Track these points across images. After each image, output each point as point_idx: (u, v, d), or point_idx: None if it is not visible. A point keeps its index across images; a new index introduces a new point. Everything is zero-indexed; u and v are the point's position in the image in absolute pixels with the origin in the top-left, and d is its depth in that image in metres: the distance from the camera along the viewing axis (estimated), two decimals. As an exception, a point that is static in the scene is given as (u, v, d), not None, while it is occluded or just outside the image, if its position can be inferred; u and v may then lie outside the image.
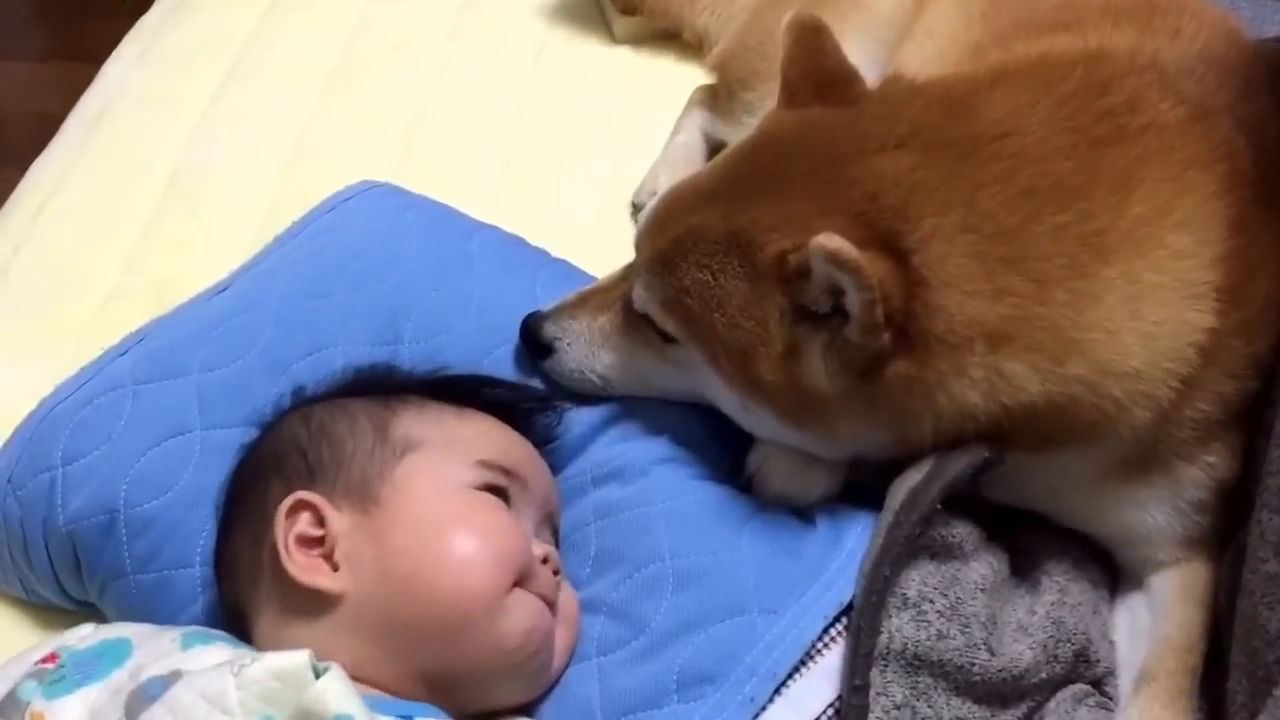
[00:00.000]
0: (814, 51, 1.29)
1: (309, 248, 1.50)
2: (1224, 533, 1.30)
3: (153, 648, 1.11)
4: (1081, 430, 1.21)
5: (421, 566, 1.13)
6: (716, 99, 1.89)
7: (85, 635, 1.16)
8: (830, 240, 1.11)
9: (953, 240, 1.16)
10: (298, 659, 0.97)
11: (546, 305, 1.40)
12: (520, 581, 1.15)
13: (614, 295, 1.36)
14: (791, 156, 1.24)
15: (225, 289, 1.46)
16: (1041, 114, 1.23)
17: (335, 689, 0.96)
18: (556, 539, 1.29)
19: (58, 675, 1.09)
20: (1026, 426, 1.20)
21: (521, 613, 1.14)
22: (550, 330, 1.37)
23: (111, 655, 1.10)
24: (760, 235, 1.20)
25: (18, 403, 1.37)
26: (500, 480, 1.21)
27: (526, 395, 1.37)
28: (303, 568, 1.14)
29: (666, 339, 1.29)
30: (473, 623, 1.12)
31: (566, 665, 1.21)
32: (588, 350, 1.36)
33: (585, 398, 1.39)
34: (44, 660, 1.13)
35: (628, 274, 1.34)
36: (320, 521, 1.16)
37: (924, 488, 1.20)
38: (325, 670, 0.97)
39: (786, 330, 1.20)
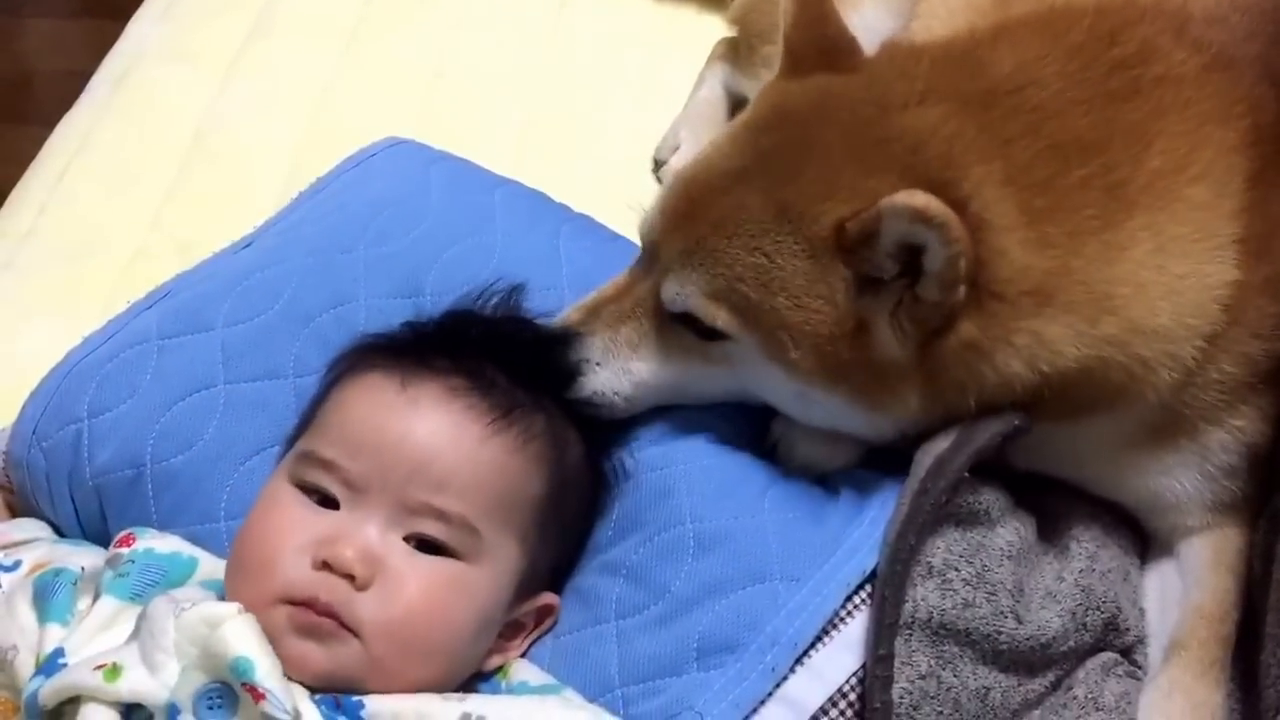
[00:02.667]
0: (817, 19, 1.27)
1: (333, 203, 1.50)
2: (1257, 498, 1.29)
3: (212, 569, 1.17)
4: (1109, 396, 1.20)
5: (228, 564, 1.15)
6: (737, 53, 1.88)
7: (166, 537, 1.20)
8: (914, 197, 1.08)
9: (1001, 187, 1.15)
10: (225, 608, 1.03)
11: (551, 324, 1.29)
12: (287, 591, 1.08)
13: (630, 302, 1.26)
14: (815, 125, 1.21)
15: (249, 244, 1.46)
16: (1053, 67, 1.22)
17: (239, 633, 1.01)
18: (460, 520, 1.12)
19: (124, 570, 1.14)
20: (1058, 396, 1.19)
21: (283, 628, 1.06)
22: (572, 353, 1.26)
23: (176, 570, 1.15)
24: (812, 206, 1.15)
25: (44, 360, 1.37)
26: (317, 474, 1.13)
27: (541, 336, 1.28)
28: None
29: (710, 336, 1.22)
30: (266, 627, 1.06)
31: (425, 671, 1.10)
32: (613, 369, 1.26)
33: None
34: (121, 543, 1.18)
35: (640, 275, 1.27)
36: None
37: (951, 455, 1.19)
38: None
39: (853, 303, 1.16)
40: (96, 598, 1.13)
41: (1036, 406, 1.20)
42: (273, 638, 1.04)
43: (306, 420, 1.23)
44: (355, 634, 1.07)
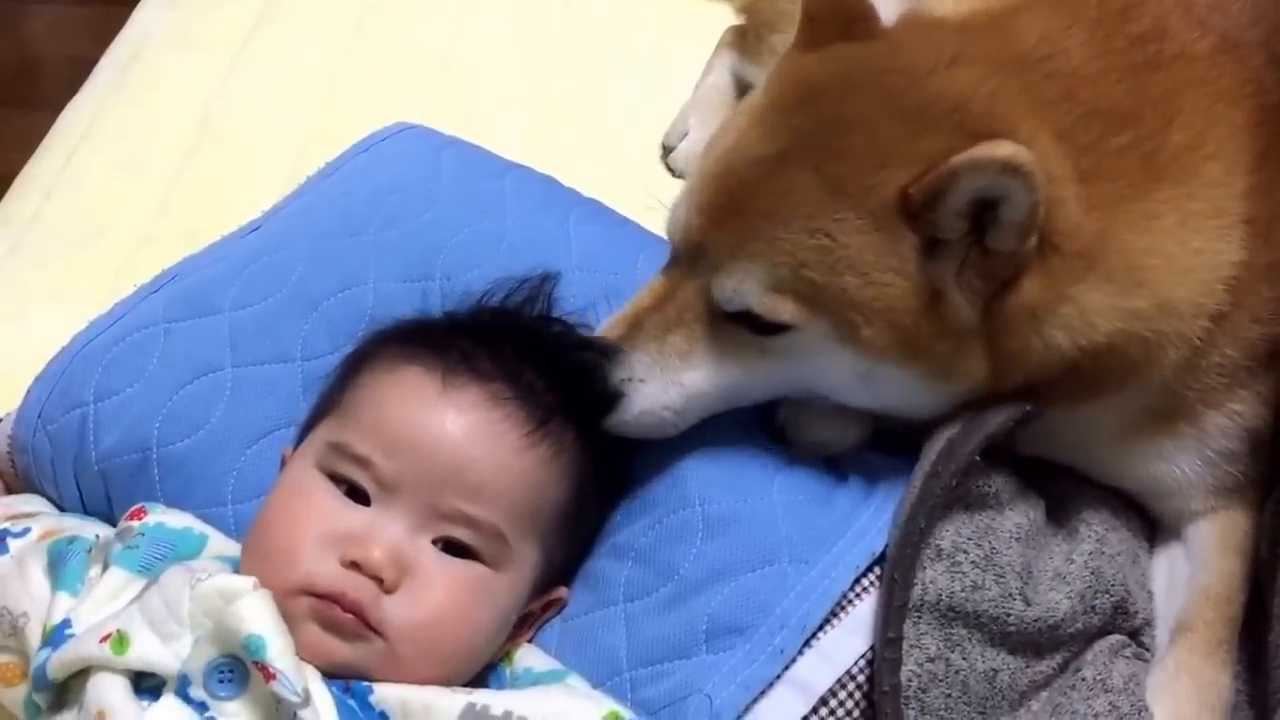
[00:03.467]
0: None
1: (342, 188, 1.49)
2: (1263, 481, 1.29)
3: (222, 547, 1.16)
4: (1118, 375, 1.20)
5: (246, 544, 1.14)
6: (745, 40, 1.88)
7: (177, 516, 1.20)
8: (998, 148, 1.05)
9: (1054, 141, 1.13)
10: (242, 582, 1.03)
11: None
12: (311, 583, 1.07)
13: (675, 308, 1.20)
14: (848, 97, 1.16)
15: (257, 228, 1.46)
16: (1078, 37, 1.21)
17: (253, 609, 1.00)
18: (490, 528, 1.12)
19: (134, 543, 1.14)
20: (1073, 375, 1.19)
21: (304, 616, 1.06)
22: (610, 373, 1.19)
23: (186, 546, 1.15)
24: (867, 178, 1.12)
25: (50, 345, 1.37)
26: (349, 468, 1.12)
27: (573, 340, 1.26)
28: None
29: (771, 330, 1.17)
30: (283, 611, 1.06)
31: (447, 674, 1.10)
32: (665, 381, 1.20)
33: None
34: (132, 516, 1.18)
35: (681, 278, 1.21)
36: None
37: (962, 439, 1.18)
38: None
39: (923, 269, 1.12)
40: (105, 568, 1.12)
41: (1046, 390, 1.20)
42: (292, 622, 1.04)
43: (329, 403, 1.21)
44: (379, 634, 1.06)
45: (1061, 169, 1.12)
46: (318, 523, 1.09)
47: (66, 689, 1.06)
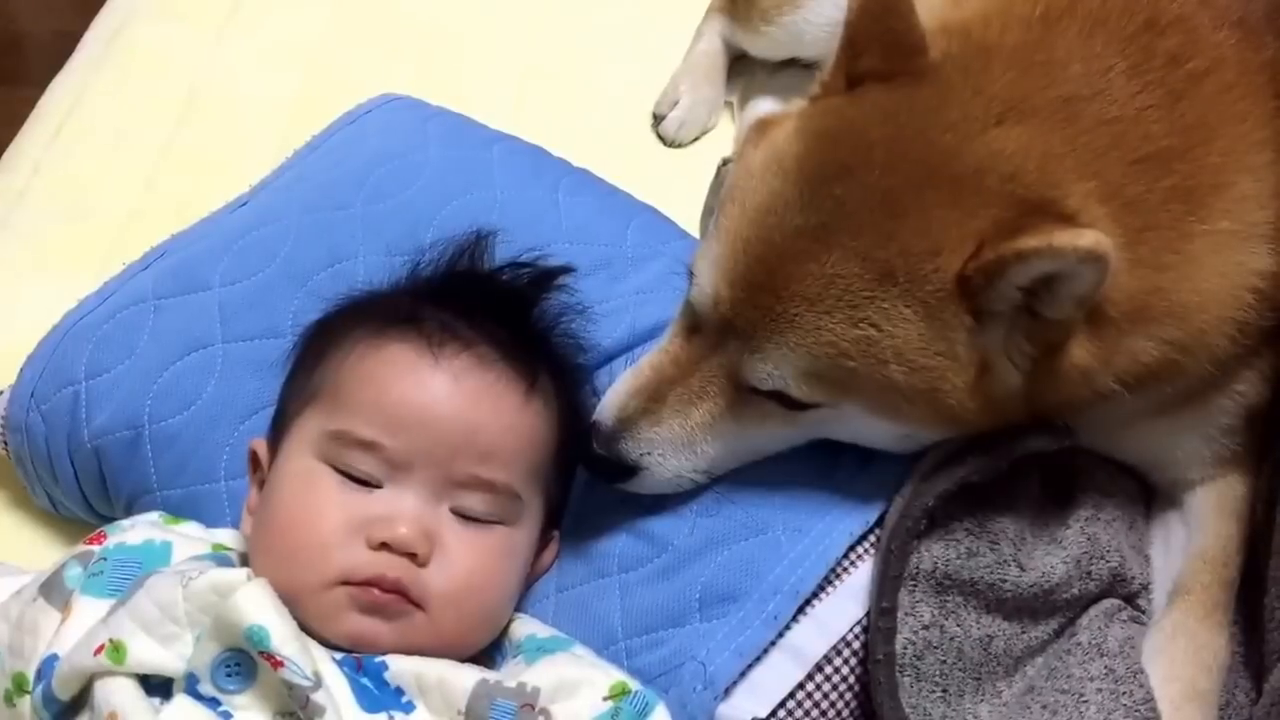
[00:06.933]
0: (886, 8, 1.13)
1: (329, 160, 1.49)
2: (1259, 447, 1.28)
3: (188, 549, 1.14)
4: (1143, 385, 1.17)
5: (258, 552, 1.13)
6: (735, 5, 1.85)
7: (136, 528, 1.17)
8: (1081, 237, 1.01)
9: (1101, 205, 1.09)
10: (235, 575, 1.03)
11: (603, 415, 1.20)
12: (349, 572, 1.07)
13: (700, 380, 1.17)
14: (894, 166, 1.09)
15: (246, 203, 1.45)
16: (1118, 66, 1.14)
17: (251, 600, 1.00)
18: (505, 489, 1.14)
19: (98, 569, 1.11)
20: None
21: (344, 606, 1.06)
22: (633, 449, 1.18)
23: (151, 560, 1.13)
24: (920, 265, 1.06)
25: (40, 322, 1.37)
26: (356, 455, 1.11)
27: (541, 275, 1.27)
28: (249, 511, 1.17)
29: (801, 407, 1.15)
30: (305, 608, 1.06)
31: (480, 634, 1.14)
32: (687, 453, 1.18)
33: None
34: (92, 540, 1.15)
35: (706, 349, 1.16)
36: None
37: (998, 444, 1.17)
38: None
39: (971, 346, 1.09)
40: (67, 599, 1.10)
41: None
42: (330, 615, 1.05)
43: (303, 392, 1.18)
44: (420, 607, 1.07)
45: (1113, 236, 1.06)
46: (337, 513, 1.09)
47: (75, 702, 1.05)
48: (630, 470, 1.19)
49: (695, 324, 1.18)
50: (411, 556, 1.07)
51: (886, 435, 1.17)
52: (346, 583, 1.06)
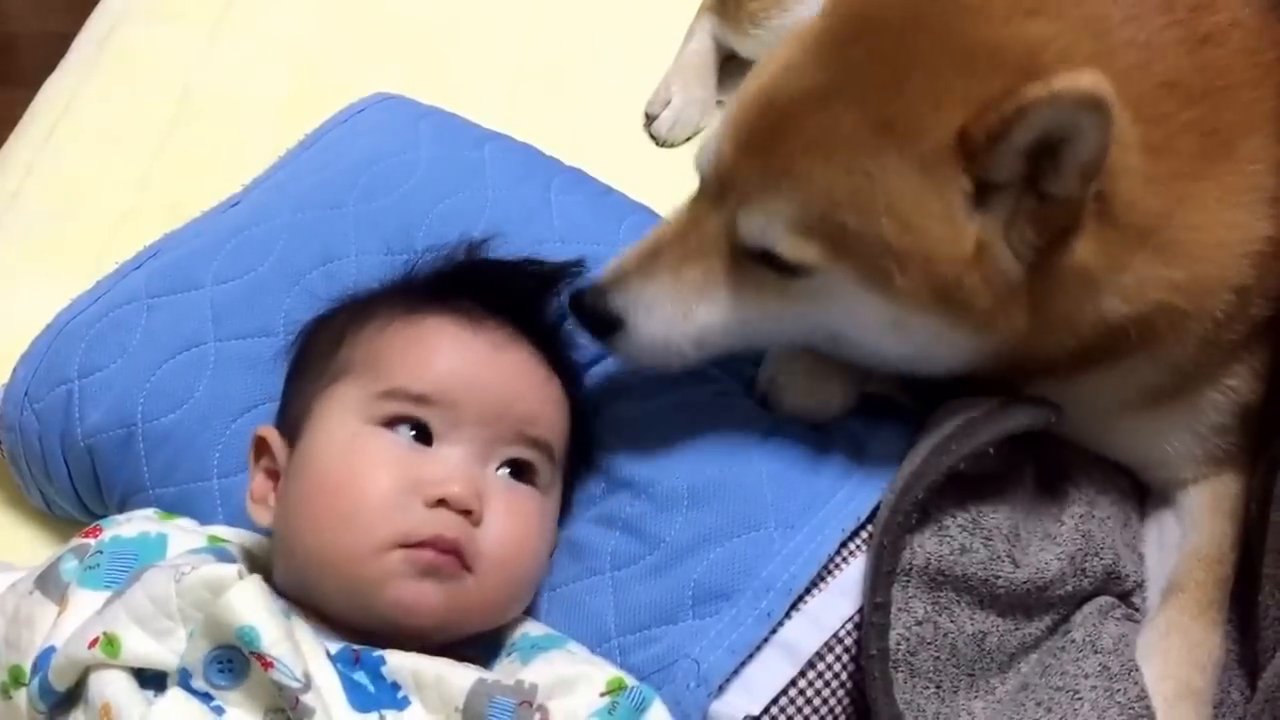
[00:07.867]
0: None
1: (321, 159, 1.49)
2: (1253, 446, 1.28)
3: (184, 541, 1.15)
4: (1135, 345, 1.16)
5: (301, 522, 1.11)
6: (725, 6, 1.86)
7: (132, 521, 1.17)
8: (1080, 78, 0.99)
9: (1123, 108, 1.06)
10: (227, 571, 1.02)
11: (598, 275, 1.20)
12: (407, 533, 1.07)
13: (698, 240, 1.16)
14: (912, 34, 1.08)
15: (238, 202, 1.46)
16: (1153, 6, 1.13)
17: (243, 600, 0.99)
18: (547, 448, 1.16)
19: (94, 561, 1.12)
20: (1095, 345, 1.16)
21: (396, 572, 1.06)
22: (618, 302, 1.17)
23: (147, 552, 1.13)
24: (921, 119, 1.05)
25: (32, 322, 1.37)
26: (409, 410, 1.11)
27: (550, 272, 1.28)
28: (254, 499, 1.16)
29: (794, 272, 1.12)
30: (351, 579, 1.06)
31: (517, 604, 1.16)
32: (677, 312, 1.16)
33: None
34: (88, 533, 1.15)
35: (705, 210, 1.16)
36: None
37: (981, 425, 1.17)
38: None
39: (970, 216, 1.07)
40: (64, 592, 1.10)
41: (1056, 360, 1.18)
42: (380, 583, 1.06)
43: (329, 369, 1.17)
44: (469, 570, 1.08)
45: (1132, 135, 1.06)
46: (389, 474, 1.09)
47: (71, 694, 1.04)
48: (616, 324, 1.18)
49: (701, 190, 1.18)
50: (466, 514, 1.08)
51: (880, 324, 1.13)
52: (403, 545, 1.06)
